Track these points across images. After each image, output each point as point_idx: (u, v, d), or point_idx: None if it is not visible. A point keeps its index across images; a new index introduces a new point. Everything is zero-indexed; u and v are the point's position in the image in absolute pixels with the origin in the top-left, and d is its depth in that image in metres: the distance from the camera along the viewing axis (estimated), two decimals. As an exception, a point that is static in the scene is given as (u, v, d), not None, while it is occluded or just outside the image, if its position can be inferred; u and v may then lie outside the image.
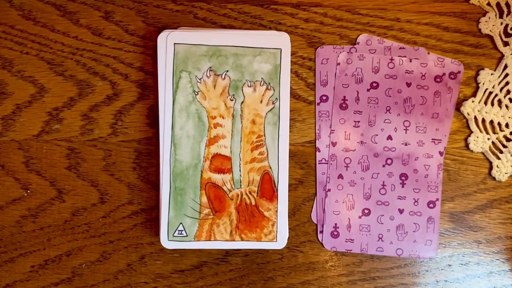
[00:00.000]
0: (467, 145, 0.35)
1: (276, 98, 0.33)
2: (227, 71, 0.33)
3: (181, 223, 0.33)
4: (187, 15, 0.34)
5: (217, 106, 0.33)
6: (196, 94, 0.33)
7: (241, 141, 0.33)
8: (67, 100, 0.34)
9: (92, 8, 0.35)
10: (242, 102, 0.33)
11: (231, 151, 0.33)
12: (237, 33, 0.33)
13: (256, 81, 0.33)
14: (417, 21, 0.35)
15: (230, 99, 0.33)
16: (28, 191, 0.34)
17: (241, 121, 0.33)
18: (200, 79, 0.33)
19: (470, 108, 0.34)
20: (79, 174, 0.34)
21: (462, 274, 0.35)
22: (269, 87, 0.33)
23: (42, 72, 0.34)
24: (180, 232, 0.33)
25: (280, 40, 0.33)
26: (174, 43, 0.32)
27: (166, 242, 0.33)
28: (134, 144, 0.34)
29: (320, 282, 0.34)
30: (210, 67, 0.33)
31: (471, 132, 0.35)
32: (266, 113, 0.33)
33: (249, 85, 0.33)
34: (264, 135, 0.33)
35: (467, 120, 0.35)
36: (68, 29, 0.34)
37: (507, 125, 0.35)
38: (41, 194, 0.34)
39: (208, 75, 0.33)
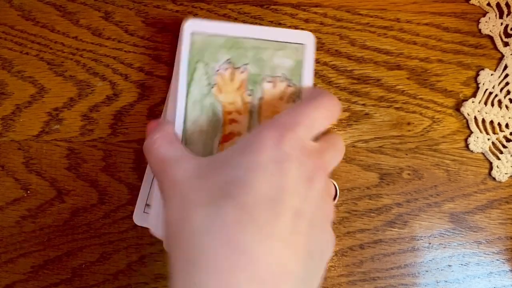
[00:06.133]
0: (467, 146, 0.35)
1: (298, 96, 0.30)
2: (247, 64, 0.30)
3: None
4: (187, 15, 0.34)
5: (233, 101, 0.30)
6: (211, 87, 0.30)
7: None
8: (67, 101, 0.34)
9: (92, 8, 0.35)
10: (260, 98, 0.30)
11: None
12: (258, 26, 0.31)
13: (277, 76, 0.30)
14: (417, 22, 0.35)
15: (248, 94, 0.30)
16: (28, 192, 0.34)
17: (259, 119, 0.30)
18: (216, 71, 0.30)
19: (470, 108, 0.34)
20: (79, 175, 0.34)
21: (462, 274, 0.35)
22: (290, 84, 0.30)
23: (42, 72, 0.34)
24: None
25: (304, 36, 0.30)
26: (191, 33, 0.29)
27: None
28: (134, 145, 0.34)
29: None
30: (229, 59, 0.30)
31: (471, 132, 0.35)
32: None
33: (269, 80, 0.30)
34: None
35: (467, 121, 0.35)
36: (68, 30, 0.34)
37: (507, 126, 0.35)
38: (41, 195, 0.34)
39: (225, 67, 0.30)
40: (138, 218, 0.33)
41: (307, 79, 0.30)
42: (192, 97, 0.29)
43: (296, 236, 0.23)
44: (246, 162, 0.23)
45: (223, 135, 0.30)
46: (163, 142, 0.27)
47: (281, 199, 0.23)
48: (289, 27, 0.34)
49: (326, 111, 0.27)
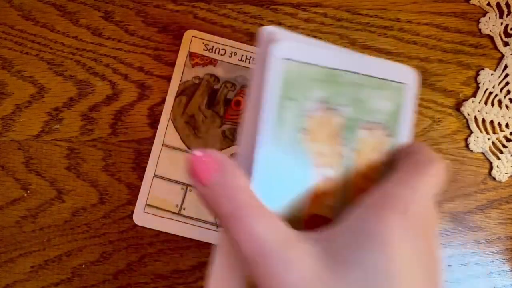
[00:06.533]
0: (467, 145, 0.35)
1: (395, 149, 0.23)
2: (344, 105, 0.22)
3: None
4: (187, 15, 0.34)
5: (324, 151, 0.22)
6: (304, 134, 0.21)
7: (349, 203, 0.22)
8: (67, 100, 0.34)
9: (92, 8, 0.34)
10: (356, 150, 0.23)
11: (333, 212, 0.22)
12: (358, 54, 0.23)
13: (375, 123, 0.23)
14: (417, 21, 0.35)
15: (343, 144, 0.22)
16: (28, 192, 0.34)
17: (355, 176, 0.23)
18: (308, 112, 0.21)
19: (470, 108, 0.34)
20: (79, 174, 0.34)
21: (462, 274, 0.35)
22: (389, 133, 0.23)
23: (42, 72, 0.34)
24: None
25: (407, 73, 0.24)
26: (283, 58, 0.20)
27: None
28: (134, 144, 0.34)
29: (320, 282, 0.34)
30: (324, 97, 0.21)
31: (471, 132, 0.35)
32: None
33: (366, 127, 0.23)
34: None
35: (467, 120, 0.35)
36: (68, 29, 0.34)
37: (507, 125, 0.35)
38: (41, 195, 0.34)
39: (319, 107, 0.22)
40: (138, 218, 0.33)
41: (406, 128, 0.24)
42: (280, 145, 0.21)
43: None
44: (379, 264, 0.18)
45: (313, 196, 0.22)
46: (256, 215, 0.18)
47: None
48: (289, 27, 0.34)
49: (437, 181, 0.21)
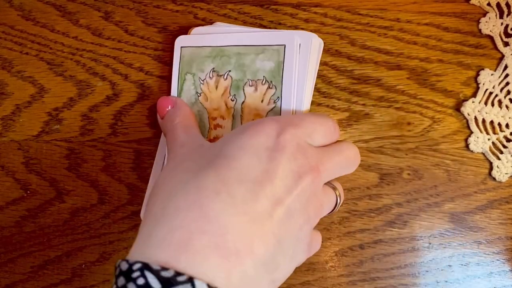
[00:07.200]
0: (467, 146, 0.35)
1: (278, 97, 0.31)
2: (229, 71, 0.32)
3: None
4: (187, 15, 0.34)
5: (218, 106, 0.32)
6: (198, 96, 0.32)
7: None
8: (66, 101, 0.34)
9: (92, 8, 0.34)
10: (242, 102, 0.32)
11: None
12: (241, 30, 0.32)
13: (258, 80, 0.32)
14: (417, 22, 0.35)
15: (231, 100, 0.32)
16: (28, 192, 0.34)
17: (241, 122, 0.32)
18: (203, 80, 0.32)
19: (470, 108, 0.34)
20: (78, 175, 0.34)
21: (462, 274, 0.34)
22: (270, 86, 0.31)
23: (42, 72, 0.34)
24: None
25: (285, 36, 0.31)
26: (181, 47, 0.32)
27: None
28: (134, 145, 0.34)
29: (320, 282, 0.34)
30: (213, 68, 0.32)
31: (471, 132, 0.35)
32: (267, 113, 0.32)
33: (250, 84, 0.32)
34: None
35: (467, 121, 0.35)
36: (68, 29, 0.34)
37: (507, 126, 0.34)
38: (41, 195, 0.34)
39: (210, 76, 0.32)
40: None
41: (287, 80, 0.31)
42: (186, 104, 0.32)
43: (269, 222, 0.23)
44: (240, 142, 0.25)
45: (209, 139, 0.32)
46: (183, 127, 0.30)
47: (264, 183, 0.23)
48: (289, 27, 0.34)
49: (326, 129, 0.27)
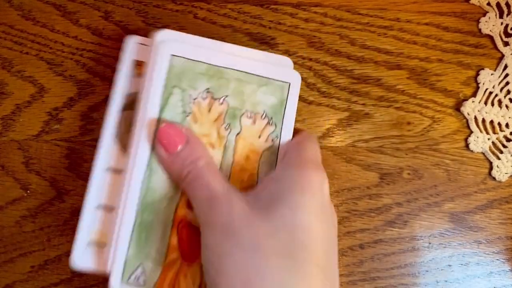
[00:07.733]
0: (467, 145, 0.35)
1: (277, 136, 0.29)
2: (227, 96, 0.28)
3: (140, 264, 0.26)
4: (187, 15, 0.34)
5: (208, 132, 0.28)
6: (186, 116, 0.27)
7: (229, 178, 0.28)
8: (67, 100, 0.34)
9: (92, 8, 0.34)
10: (237, 134, 0.28)
11: None
12: (244, 53, 0.29)
13: (257, 113, 0.28)
14: (417, 21, 0.35)
15: (225, 128, 0.28)
16: (28, 191, 0.34)
17: (233, 155, 0.28)
18: (194, 100, 0.28)
19: (470, 108, 0.34)
20: (78, 175, 0.34)
21: (462, 274, 0.35)
22: (270, 122, 0.29)
23: (42, 72, 0.34)
24: (137, 278, 0.26)
25: (290, 75, 0.29)
26: (172, 55, 0.27)
27: (119, 285, 0.26)
28: (134, 144, 0.34)
29: (320, 282, 0.34)
30: (208, 88, 0.28)
31: (471, 132, 0.35)
32: (263, 151, 0.28)
33: (248, 116, 0.28)
34: (258, 175, 0.28)
35: (467, 120, 0.35)
36: (68, 29, 0.34)
37: (507, 125, 0.35)
38: (41, 194, 0.34)
39: (204, 96, 0.28)
40: (80, 260, 0.28)
41: (288, 119, 0.29)
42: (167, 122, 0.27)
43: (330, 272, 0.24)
44: (300, 202, 0.24)
45: None
46: (211, 175, 0.25)
47: (334, 248, 0.25)
48: (289, 26, 0.34)
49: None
